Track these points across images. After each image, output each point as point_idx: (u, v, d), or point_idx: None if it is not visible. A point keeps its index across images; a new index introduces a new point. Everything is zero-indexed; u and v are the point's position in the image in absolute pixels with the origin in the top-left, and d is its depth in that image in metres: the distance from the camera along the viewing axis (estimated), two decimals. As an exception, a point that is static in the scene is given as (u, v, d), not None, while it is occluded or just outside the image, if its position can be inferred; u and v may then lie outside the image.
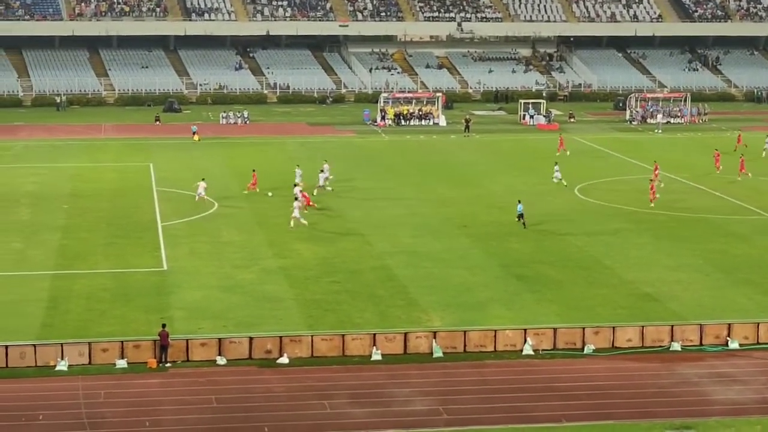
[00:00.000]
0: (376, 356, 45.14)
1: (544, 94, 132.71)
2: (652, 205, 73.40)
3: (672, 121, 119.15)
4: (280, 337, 45.41)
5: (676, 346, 46.70)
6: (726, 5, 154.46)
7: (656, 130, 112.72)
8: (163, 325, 45.00)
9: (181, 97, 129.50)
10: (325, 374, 43.42)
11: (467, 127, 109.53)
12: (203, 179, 74.72)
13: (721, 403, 40.76)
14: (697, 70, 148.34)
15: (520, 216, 67.89)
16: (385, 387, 42.12)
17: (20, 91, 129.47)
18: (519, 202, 68.88)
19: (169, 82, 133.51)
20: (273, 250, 61.61)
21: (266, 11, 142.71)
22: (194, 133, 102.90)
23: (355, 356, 45.18)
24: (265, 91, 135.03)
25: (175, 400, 40.83)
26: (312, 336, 45.71)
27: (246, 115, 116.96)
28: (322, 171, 78.65)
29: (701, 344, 47.05)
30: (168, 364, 44.03)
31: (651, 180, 78.63)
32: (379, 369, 44.06)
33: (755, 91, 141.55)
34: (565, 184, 79.50)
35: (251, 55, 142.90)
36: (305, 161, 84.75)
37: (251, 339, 45.11)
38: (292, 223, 66.15)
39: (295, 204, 66.95)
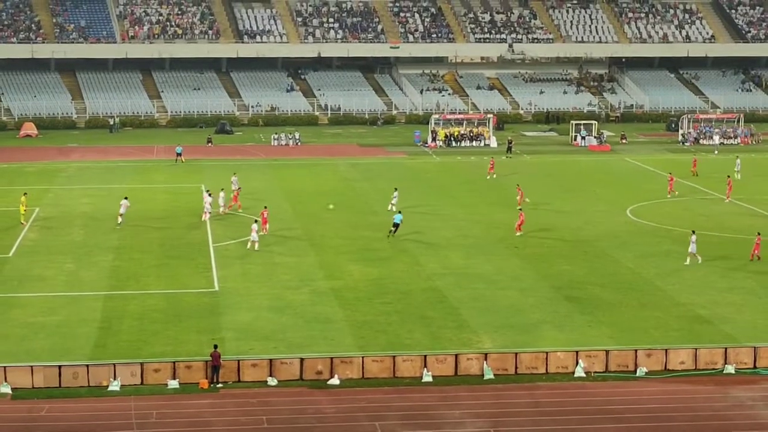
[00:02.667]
0: (427, 378, 45.04)
1: (603, 114, 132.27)
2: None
3: (725, 142, 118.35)
4: (331, 358, 45.43)
5: (730, 368, 46.27)
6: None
7: (714, 152, 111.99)
8: (215, 346, 45.15)
9: (232, 119, 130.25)
10: (376, 395, 43.36)
11: (509, 149, 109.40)
12: (126, 197, 75.75)
13: (776, 427, 40.36)
14: (751, 90, 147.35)
15: (396, 226, 69.89)
16: (436, 409, 42.00)
17: (74, 113, 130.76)
18: (399, 212, 71.96)
19: (221, 103, 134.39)
20: (324, 271, 61.69)
21: (318, 33, 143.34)
22: (179, 155, 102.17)
23: (406, 378, 45.10)
24: (317, 113, 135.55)
25: (227, 420, 40.90)
26: (363, 357, 45.66)
27: (297, 137, 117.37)
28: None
29: (755, 367, 46.58)
30: (219, 385, 44.14)
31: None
32: (430, 390, 43.95)
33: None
34: (392, 208, 76.88)
35: (302, 76, 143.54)
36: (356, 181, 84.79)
37: (302, 360, 45.15)
38: (256, 246, 66.21)
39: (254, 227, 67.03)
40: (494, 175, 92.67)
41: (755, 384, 44.90)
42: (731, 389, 44.19)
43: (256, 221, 68.09)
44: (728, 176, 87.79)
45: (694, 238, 63.49)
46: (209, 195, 76.43)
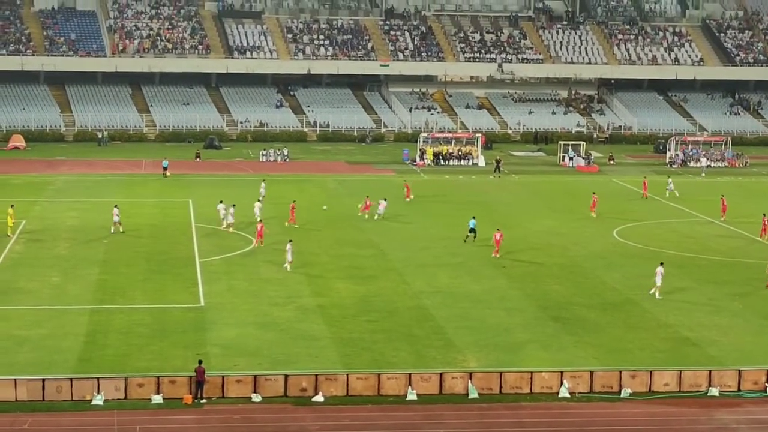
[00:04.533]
0: (412, 396, 45.00)
1: (594, 135, 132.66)
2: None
3: (712, 164, 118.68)
4: (316, 375, 45.39)
5: (714, 391, 46.31)
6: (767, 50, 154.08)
7: (701, 174, 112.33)
8: (200, 362, 45.07)
9: (221, 134, 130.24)
10: (360, 413, 43.32)
11: (497, 168, 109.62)
12: (116, 206, 76.78)
13: (760, 450, 40.40)
14: (739, 114, 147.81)
15: (472, 231, 72.81)
16: (420, 427, 41.97)
17: (63, 125, 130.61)
18: (473, 217, 74.38)
19: (210, 119, 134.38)
20: (311, 288, 61.66)
21: (308, 50, 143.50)
22: (165, 169, 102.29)
23: (391, 396, 45.06)
24: (305, 129, 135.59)
25: (210, 436, 40.86)
26: (347, 375, 45.64)
27: (286, 153, 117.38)
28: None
29: (739, 390, 46.62)
30: (203, 401, 44.06)
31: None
32: (415, 409, 43.92)
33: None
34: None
35: (292, 93, 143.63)
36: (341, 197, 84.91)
37: (287, 377, 45.10)
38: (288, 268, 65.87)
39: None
40: (411, 198, 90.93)
41: (739, 407, 44.93)
42: (715, 412, 44.23)
43: (290, 241, 67.23)
44: (722, 196, 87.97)
45: (660, 269, 61.46)
46: (232, 207, 78.21)
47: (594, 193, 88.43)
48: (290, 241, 67.24)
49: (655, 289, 60.90)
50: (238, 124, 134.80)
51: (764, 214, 78.84)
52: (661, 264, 61.99)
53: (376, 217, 77.98)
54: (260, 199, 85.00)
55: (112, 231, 75.02)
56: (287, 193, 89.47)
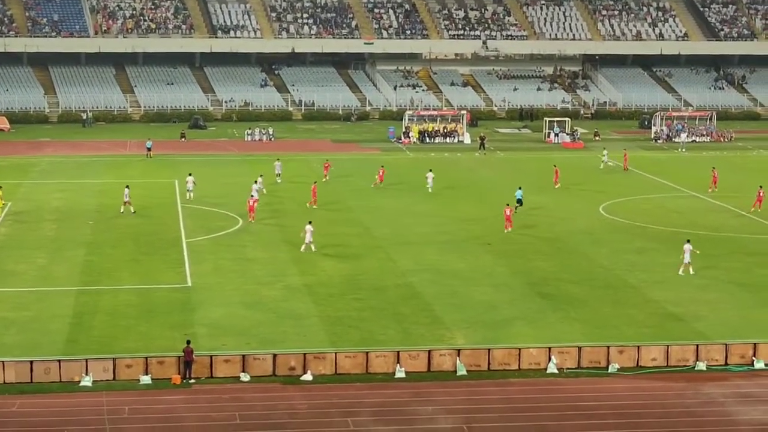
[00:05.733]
0: (400, 374, 45.06)
1: (581, 111, 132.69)
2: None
3: (697, 139, 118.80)
4: (304, 354, 45.41)
5: (701, 365, 46.47)
6: (752, 24, 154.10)
7: (681, 149, 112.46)
8: (188, 342, 45.03)
9: (206, 114, 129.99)
10: (349, 391, 43.37)
11: (482, 145, 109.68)
12: (127, 186, 76.85)
13: (747, 424, 40.54)
14: (723, 88, 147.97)
15: (519, 202, 75.17)
16: (408, 405, 42.03)
17: (47, 107, 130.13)
18: (519, 188, 77.10)
19: (195, 98, 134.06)
20: (298, 267, 61.63)
21: (292, 29, 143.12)
22: (149, 150, 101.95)
23: (379, 374, 45.11)
24: (290, 108, 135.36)
25: (199, 416, 40.83)
26: (336, 353, 45.67)
27: (271, 132, 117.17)
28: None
29: (726, 364, 46.80)
30: (192, 381, 44.05)
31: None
32: (403, 387, 43.97)
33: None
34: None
35: (276, 72, 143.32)
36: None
37: (275, 356, 45.11)
38: (312, 247, 65.37)
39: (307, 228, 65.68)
40: (326, 178, 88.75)
41: (726, 381, 45.09)
42: (702, 386, 44.37)
43: (310, 222, 66.33)
44: (713, 168, 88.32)
45: (688, 246, 61.05)
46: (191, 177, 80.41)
47: (555, 165, 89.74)
48: (309, 222, 66.46)
49: (684, 267, 60.67)
50: (223, 103, 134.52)
51: (760, 186, 79.42)
52: (688, 241, 61.71)
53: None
54: (277, 180, 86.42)
55: (122, 211, 75.02)
56: (273, 173, 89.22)
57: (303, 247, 64.84)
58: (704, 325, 51.79)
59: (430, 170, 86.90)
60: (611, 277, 60.19)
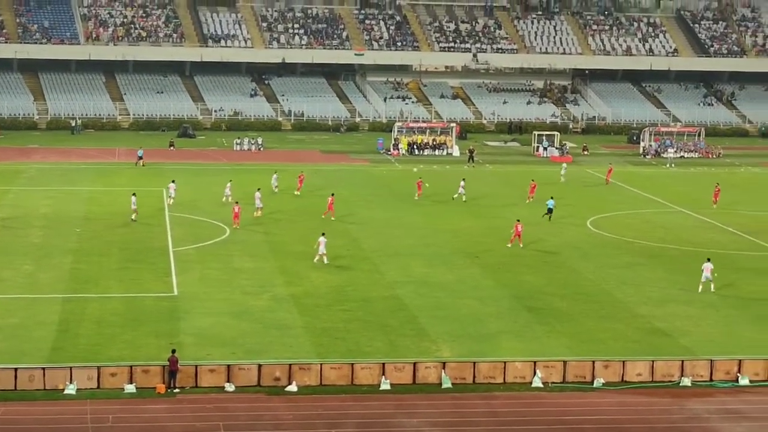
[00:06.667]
0: (385, 386, 45.02)
1: (570, 126, 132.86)
2: None
3: (686, 155, 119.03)
4: (290, 364, 45.35)
5: (687, 381, 46.51)
6: (742, 41, 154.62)
7: (669, 165, 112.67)
8: (173, 351, 44.95)
9: (195, 123, 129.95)
10: (334, 403, 43.31)
11: (471, 158, 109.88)
12: (134, 194, 77.26)
13: (731, 440, 40.62)
14: (712, 105, 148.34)
15: (550, 211, 77.82)
16: (393, 417, 41.99)
17: (36, 114, 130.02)
18: (551, 197, 79.36)
19: (184, 107, 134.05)
20: (285, 277, 61.59)
21: (282, 39, 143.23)
22: (140, 158, 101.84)
23: (364, 385, 45.06)
24: (280, 119, 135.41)
25: (183, 426, 40.74)
26: (321, 364, 45.61)
27: (260, 142, 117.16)
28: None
29: (711, 380, 46.84)
30: (176, 390, 43.96)
31: None
32: (388, 399, 43.94)
33: (762, 126, 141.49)
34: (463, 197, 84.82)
35: (266, 82, 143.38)
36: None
37: (260, 366, 45.05)
38: (324, 259, 64.80)
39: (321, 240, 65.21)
40: (297, 192, 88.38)
41: (711, 397, 45.14)
42: (687, 402, 44.41)
43: (323, 234, 65.68)
44: (716, 184, 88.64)
45: (708, 266, 60.67)
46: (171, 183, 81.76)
47: (533, 180, 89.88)
48: (323, 234, 65.93)
49: (703, 286, 60.39)
50: (212, 112, 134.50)
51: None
52: (708, 260, 61.38)
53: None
54: (274, 191, 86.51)
55: (133, 218, 75.33)
56: (261, 182, 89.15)
57: (316, 258, 64.64)
58: (690, 340, 51.85)
59: (463, 179, 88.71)
60: (598, 292, 60.24)
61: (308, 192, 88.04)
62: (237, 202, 75.92)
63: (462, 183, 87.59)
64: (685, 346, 50.80)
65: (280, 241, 70.58)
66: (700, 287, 60.60)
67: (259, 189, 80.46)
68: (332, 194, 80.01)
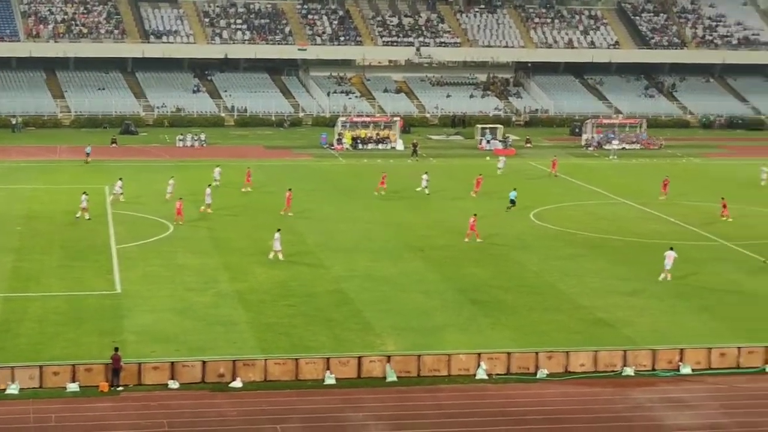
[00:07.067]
0: (330, 380, 44.98)
1: (514, 119, 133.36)
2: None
3: (627, 147, 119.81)
4: (234, 360, 45.19)
5: (629, 371, 46.84)
6: (682, 33, 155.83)
7: (611, 156, 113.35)
8: (116, 349, 44.66)
9: (138, 120, 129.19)
10: (278, 398, 43.23)
11: (415, 151, 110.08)
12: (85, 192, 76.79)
13: (674, 428, 40.90)
14: (653, 96, 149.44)
15: (512, 202, 79.12)
16: (338, 411, 41.96)
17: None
18: (514, 189, 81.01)
19: (126, 104, 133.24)
20: (229, 273, 61.37)
21: (225, 34, 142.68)
22: (87, 155, 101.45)
23: (309, 380, 44.99)
24: (223, 114, 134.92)
25: (127, 424, 40.49)
26: (265, 360, 45.50)
27: (203, 138, 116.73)
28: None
29: (654, 369, 47.20)
30: (120, 388, 43.69)
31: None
32: (333, 393, 43.90)
33: (702, 117, 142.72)
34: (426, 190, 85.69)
35: (209, 78, 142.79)
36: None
37: (204, 363, 44.86)
38: (280, 256, 64.70)
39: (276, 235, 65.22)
40: (248, 189, 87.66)
41: (654, 386, 45.47)
42: (630, 391, 44.71)
43: (279, 230, 65.84)
44: (665, 176, 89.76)
45: (671, 254, 61.58)
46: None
47: (480, 174, 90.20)
48: (278, 230, 65.95)
49: (665, 273, 61.13)
50: (155, 109, 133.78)
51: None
52: (671, 248, 62.23)
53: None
54: (214, 184, 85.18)
55: (78, 216, 74.77)
56: (205, 178, 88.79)
57: (271, 254, 64.48)
58: (632, 330, 52.22)
59: (426, 172, 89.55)
60: (541, 284, 60.52)
61: (252, 188, 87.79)
62: (181, 199, 75.59)
63: (425, 176, 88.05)
64: (628, 336, 51.16)
65: (224, 237, 70.34)
66: (662, 275, 61.15)
67: (210, 185, 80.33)
68: (289, 189, 79.82)
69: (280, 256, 64.23)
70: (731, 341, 49.78)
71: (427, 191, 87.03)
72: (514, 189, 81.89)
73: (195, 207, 78.03)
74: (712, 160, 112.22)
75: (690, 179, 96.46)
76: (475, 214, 71.56)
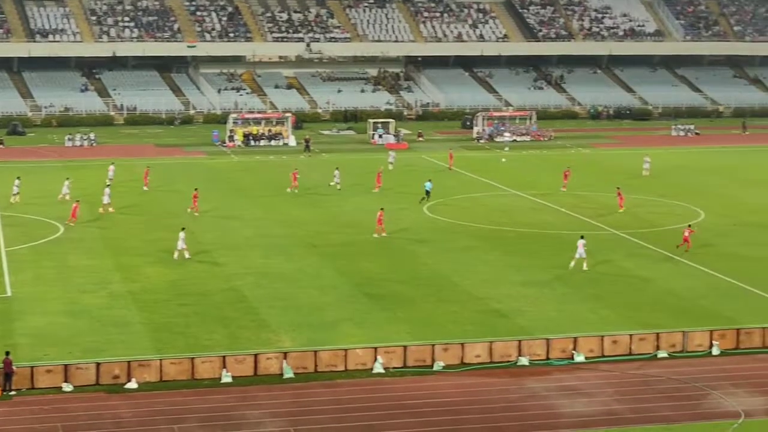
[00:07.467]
0: (227, 379, 44.80)
1: (405, 113, 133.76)
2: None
3: (518, 139, 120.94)
4: (128, 361, 44.79)
5: (524, 360, 47.33)
6: (569, 25, 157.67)
7: (504, 149, 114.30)
8: (7, 353, 43.99)
9: (25, 120, 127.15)
10: (175, 398, 42.95)
11: (307, 147, 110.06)
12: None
13: (569, 416, 41.41)
14: (542, 88, 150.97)
15: (427, 193, 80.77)
16: (235, 409, 41.81)
17: None
18: (429, 180, 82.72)
19: (13, 104, 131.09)
20: (121, 274, 60.78)
21: (112, 32, 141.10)
22: None
23: (205, 379, 44.78)
24: (112, 113, 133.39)
25: (21, 428, 39.94)
26: (161, 360, 45.16)
27: (92, 138, 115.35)
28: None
29: (548, 358, 47.75)
30: (12, 392, 43.06)
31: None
32: (230, 391, 43.73)
33: (590, 108, 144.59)
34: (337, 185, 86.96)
35: (97, 76, 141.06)
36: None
37: (98, 364, 44.39)
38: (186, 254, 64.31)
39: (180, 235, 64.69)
40: (145, 188, 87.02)
41: (548, 375, 46.02)
42: (525, 381, 45.20)
43: (183, 229, 65.53)
44: (567, 167, 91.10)
45: (582, 242, 62.55)
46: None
47: (381, 168, 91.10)
48: (183, 228, 65.57)
49: (576, 262, 61.97)
50: (42, 109, 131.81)
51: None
52: (582, 237, 63.07)
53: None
54: (108, 183, 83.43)
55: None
56: (98, 178, 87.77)
57: (176, 254, 63.89)
58: (526, 320, 52.78)
59: (337, 168, 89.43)
60: (436, 276, 60.87)
61: (148, 187, 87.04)
62: (78, 201, 74.58)
63: (336, 172, 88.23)
64: (522, 326, 51.69)
65: (116, 237, 69.63)
66: (572, 263, 61.93)
67: (108, 185, 79.45)
68: (195, 189, 79.18)
69: (186, 254, 63.75)
70: (623, 329, 50.60)
71: (338, 187, 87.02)
72: (429, 180, 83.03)
73: (91, 208, 77.06)
74: (600, 150, 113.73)
75: (578, 169, 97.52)
76: (382, 208, 71.78)
